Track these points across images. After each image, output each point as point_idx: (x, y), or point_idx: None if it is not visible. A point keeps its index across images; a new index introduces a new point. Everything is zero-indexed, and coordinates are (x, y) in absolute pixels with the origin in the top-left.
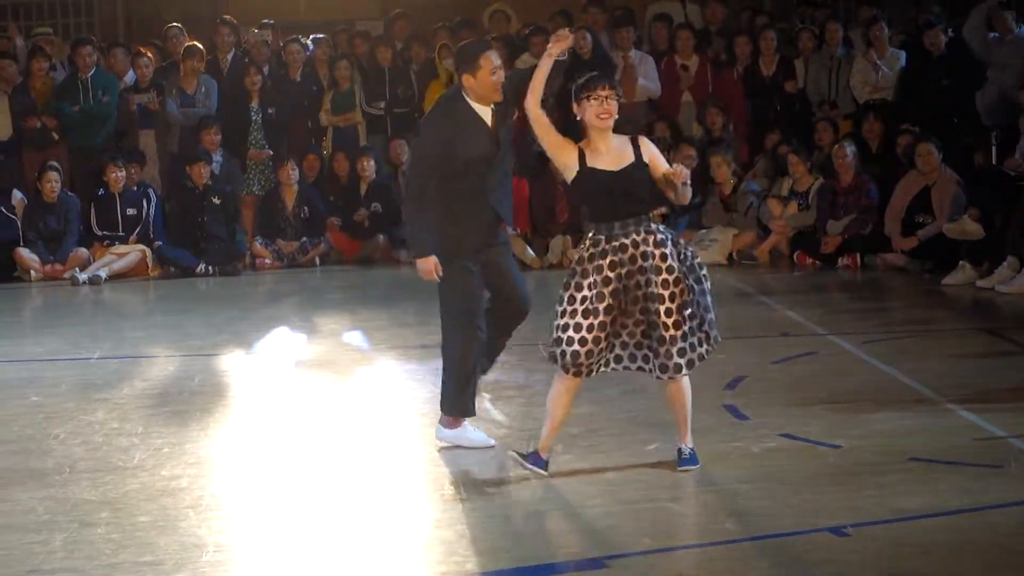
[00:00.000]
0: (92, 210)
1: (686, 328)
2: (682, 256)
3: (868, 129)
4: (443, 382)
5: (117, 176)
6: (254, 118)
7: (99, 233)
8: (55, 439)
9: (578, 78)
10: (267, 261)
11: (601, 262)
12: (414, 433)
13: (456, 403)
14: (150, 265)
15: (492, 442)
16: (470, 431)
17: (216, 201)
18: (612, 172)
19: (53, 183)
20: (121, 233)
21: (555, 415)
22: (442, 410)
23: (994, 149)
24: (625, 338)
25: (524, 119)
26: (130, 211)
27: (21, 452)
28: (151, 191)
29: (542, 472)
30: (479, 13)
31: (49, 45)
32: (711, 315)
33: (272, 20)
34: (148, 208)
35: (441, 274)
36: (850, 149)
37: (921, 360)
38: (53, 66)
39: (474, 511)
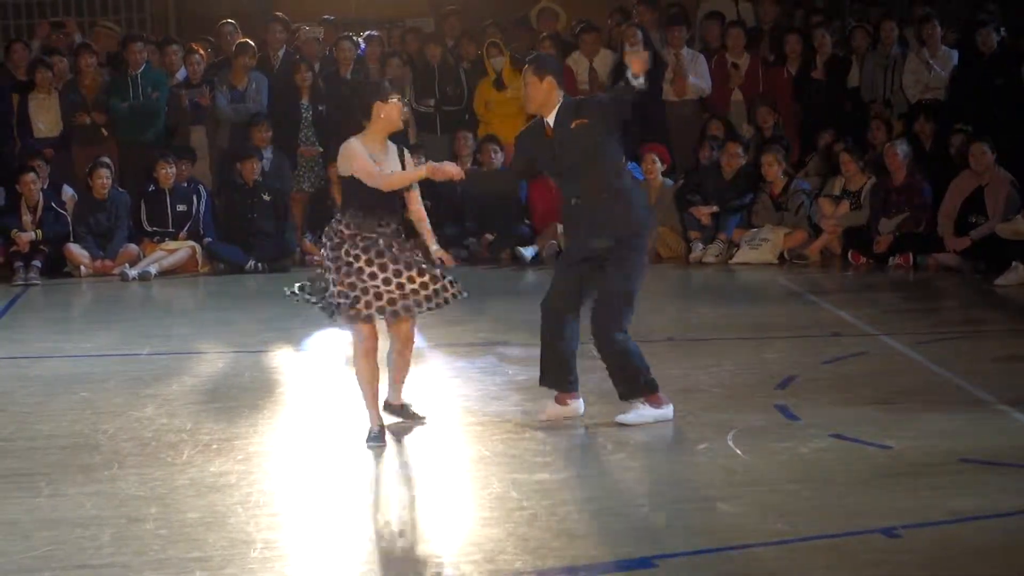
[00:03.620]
0: (142, 206)
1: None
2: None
3: (920, 128)
4: (622, 368)
5: (167, 172)
6: (304, 115)
7: (149, 229)
8: (104, 435)
9: (374, 82)
10: (316, 258)
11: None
12: (462, 431)
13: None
14: (199, 261)
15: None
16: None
17: (266, 198)
18: None
19: (104, 180)
20: (171, 229)
21: None
22: (636, 395)
23: None
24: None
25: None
26: (180, 207)
27: (70, 447)
28: (201, 187)
29: None
30: (529, 11)
31: (105, 38)
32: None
33: (329, 16)
34: (198, 204)
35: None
36: (901, 148)
37: (973, 361)
38: (101, 62)
39: (523, 510)
